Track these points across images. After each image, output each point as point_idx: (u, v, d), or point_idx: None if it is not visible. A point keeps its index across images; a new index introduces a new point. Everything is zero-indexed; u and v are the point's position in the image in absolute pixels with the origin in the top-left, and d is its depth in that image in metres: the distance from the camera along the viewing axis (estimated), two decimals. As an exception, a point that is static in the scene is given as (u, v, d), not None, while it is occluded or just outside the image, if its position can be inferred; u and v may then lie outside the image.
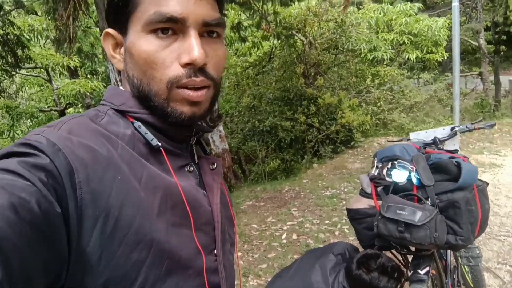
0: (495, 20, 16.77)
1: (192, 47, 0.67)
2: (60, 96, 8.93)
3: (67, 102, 9.50)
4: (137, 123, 0.71)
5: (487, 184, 2.05)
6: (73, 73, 10.75)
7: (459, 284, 2.49)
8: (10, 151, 0.57)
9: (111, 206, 0.60)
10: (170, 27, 0.67)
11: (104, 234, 0.59)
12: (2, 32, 6.43)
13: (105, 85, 10.39)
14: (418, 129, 8.85)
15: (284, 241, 4.13)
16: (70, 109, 11.05)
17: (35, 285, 0.50)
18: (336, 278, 1.99)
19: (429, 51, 10.25)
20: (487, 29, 18.40)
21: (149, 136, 0.70)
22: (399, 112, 8.97)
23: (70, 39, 5.83)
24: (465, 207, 1.80)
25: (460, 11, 15.31)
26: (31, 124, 10.00)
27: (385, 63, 9.62)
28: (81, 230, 0.57)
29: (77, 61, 8.48)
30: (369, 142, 8.27)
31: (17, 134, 10.15)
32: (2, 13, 6.60)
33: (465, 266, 2.69)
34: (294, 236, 4.20)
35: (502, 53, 17.43)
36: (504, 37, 18.16)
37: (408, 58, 9.73)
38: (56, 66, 8.16)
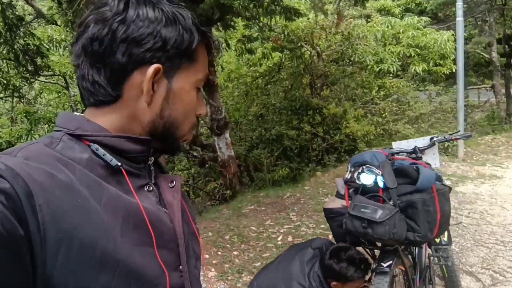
0: (506, 33, 16.79)
1: (203, 103, 0.88)
2: (77, 102, 9.31)
3: (84, 109, 9.87)
4: (94, 146, 0.72)
5: (450, 188, 2.27)
6: (89, 81, 11.14)
7: (431, 282, 2.69)
8: None
9: (74, 229, 0.60)
10: None
11: (69, 258, 0.59)
12: (23, 42, 6.82)
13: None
14: (423, 140, 8.99)
15: (280, 242, 4.36)
16: (86, 115, 11.44)
17: None
18: (312, 268, 2.25)
19: (436, 63, 10.43)
20: (499, 41, 18.43)
21: (108, 157, 0.71)
22: (404, 123, 9.13)
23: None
24: (421, 207, 2.03)
25: (471, 24, 15.40)
26: (48, 129, 10.40)
27: (391, 75, 9.82)
28: (45, 254, 0.57)
29: (93, 69, 8.82)
30: (373, 152, 8.43)
31: (35, 138, 10.55)
32: (23, 23, 6.99)
33: (443, 266, 2.89)
34: (290, 238, 4.42)
35: (514, 65, 17.40)
36: (517, 50, 18.12)
37: (414, 70, 9.92)
38: (74, 74, 8.56)
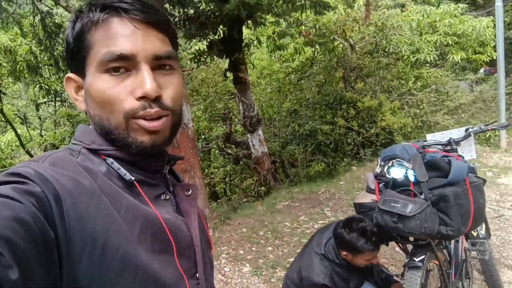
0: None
1: (145, 81, 0.71)
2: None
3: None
4: (110, 160, 0.74)
5: (484, 181, 2.21)
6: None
7: (468, 276, 2.63)
8: (1, 181, 0.60)
9: (97, 233, 0.62)
10: (121, 65, 0.72)
11: (93, 261, 0.61)
12: (62, 48, 7.09)
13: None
14: (463, 131, 8.70)
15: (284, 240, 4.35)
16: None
17: None
18: (329, 240, 2.31)
19: (475, 51, 10.05)
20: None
21: (122, 171, 0.73)
22: (443, 114, 8.86)
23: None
24: (454, 201, 1.99)
25: (503, 9, 14.80)
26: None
27: (428, 64, 9.55)
28: (70, 256, 0.59)
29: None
30: (411, 145, 8.25)
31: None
32: (62, 29, 7.27)
33: (481, 260, 2.81)
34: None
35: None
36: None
37: (452, 59, 9.61)
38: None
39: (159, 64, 0.75)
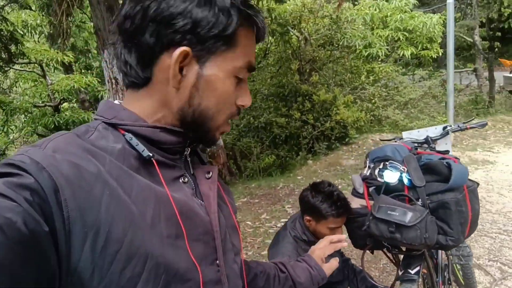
0: (489, 17, 16.83)
1: (248, 94, 0.79)
2: (54, 91, 8.87)
3: (62, 97, 9.45)
4: (128, 135, 0.71)
5: (478, 184, 2.07)
6: (67, 68, 10.69)
7: (449, 282, 2.52)
8: None
9: (100, 222, 0.59)
10: (246, 77, 0.77)
11: (95, 251, 0.58)
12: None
13: (99, 80, 10.34)
14: (413, 125, 8.89)
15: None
16: (65, 104, 11.00)
17: None
18: (294, 219, 2.17)
19: (424, 47, 10.28)
20: (482, 25, 18.47)
21: (140, 147, 0.70)
22: (394, 109, 9.00)
23: (64, 34, 5.81)
24: (455, 208, 1.82)
25: (455, 7, 15.36)
26: (25, 119, 9.93)
27: (380, 59, 9.64)
28: (70, 247, 0.57)
29: (71, 56, 8.42)
30: (364, 139, 8.30)
31: (11, 130, 10.09)
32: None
33: (456, 264, 2.73)
34: (288, 233, 4.22)
35: (496, 49, 17.50)
36: (499, 34, 18.25)
37: (403, 55, 9.75)
38: (51, 62, 8.10)
39: None
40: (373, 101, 8.83)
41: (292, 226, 2.13)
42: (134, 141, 0.70)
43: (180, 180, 0.76)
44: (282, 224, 4.51)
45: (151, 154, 0.70)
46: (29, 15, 7.77)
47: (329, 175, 6.30)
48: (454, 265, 2.71)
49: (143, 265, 0.62)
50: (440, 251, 2.38)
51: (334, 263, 1.35)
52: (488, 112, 12.83)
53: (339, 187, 5.68)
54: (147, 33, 0.68)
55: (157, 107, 0.73)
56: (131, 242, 0.61)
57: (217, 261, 0.75)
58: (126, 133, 0.71)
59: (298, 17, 8.36)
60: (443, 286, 2.35)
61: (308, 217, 2.05)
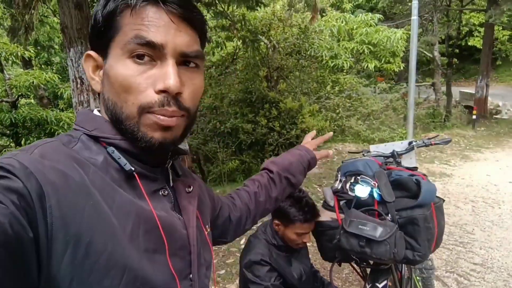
0: (449, 34, 17.59)
1: (169, 74, 0.68)
2: (12, 86, 8.50)
3: (19, 93, 9.06)
4: (111, 148, 0.71)
5: (443, 200, 2.14)
6: (26, 63, 10.28)
7: (412, 294, 2.58)
8: None
9: (82, 232, 0.59)
10: (148, 52, 0.68)
11: (75, 260, 0.58)
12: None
13: (60, 76, 9.99)
14: (374, 136, 9.12)
15: (243, 246, 4.12)
16: (22, 100, 10.55)
17: None
18: (265, 224, 2.19)
19: (387, 61, 10.60)
20: (441, 42, 19.29)
21: (122, 161, 0.70)
22: (356, 120, 9.21)
23: (27, 28, 5.58)
24: (423, 224, 1.88)
25: (418, 23, 15.98)
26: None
27: (345, 71, 9.86)
28: (51, 255, 0.56)
29: (32, 51, 8.10)
30: (327, 148, 8.43)
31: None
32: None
33: (417, 276, 2.80)
34: (253, 241, 4.20)
35: (454, 65, 18.31)
36: (457, 50, 19.10)
37: (366, 67, 10.01)
38: (10, 56, 7.76)
39: (184, 60, 0.73)
40: (337, 111, 9.01)
41: (263, 230, 2.15)
42: (116, 154, 0.70)
43: (160, 193, 0.76)
44: (248, 232, 4.50)
45: (133, 168, 0.70)
46: (-12, 6, 7.45)
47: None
48: (415, 277, 2.79)
49: (121, 278, 0.62)
50: (404, 265, 2.44)
51: (326, 152, 1.42)
52: (445, 125, 13.37)
53: (303, 195, 5.76)
54: None
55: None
56: (111, 254, 0.61)
57: (191, 275, 0.75)
58: (108, 146, 0.71)
59: (268, 25, 8.43)
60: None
61: (276, 221, 2.08)
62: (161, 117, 0.69)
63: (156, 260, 0.68)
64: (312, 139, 1.49)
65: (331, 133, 1.53)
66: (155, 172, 0.76)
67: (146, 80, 0.68)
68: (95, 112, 0.77)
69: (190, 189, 0.82)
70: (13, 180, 0.56)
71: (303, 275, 2.18)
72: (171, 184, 0.80)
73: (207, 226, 0.91)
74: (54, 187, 0.58)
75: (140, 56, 0.68)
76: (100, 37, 0.72)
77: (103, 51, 0.72)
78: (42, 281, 0.56)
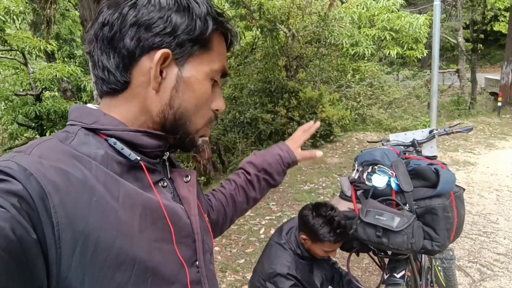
0: (473, 19, 17.10)
1: (221, 98, 0.82)
2: (36, 80, 8.68)
3: (43, 86, 9.25)
4: (112, 140, 0.71)
5: (464, 190, 2.09)
6: (50, 56, 10.47)
7: (432, 284, 2.55)
8: None
9: (90, 229, 0.59)
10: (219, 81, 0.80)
11: (85, 258, 0.58)
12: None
13: (83, 69, 10.14)
14: (396, 125, 8.98)
15: (262, 236, 4.15)
16: (46, 93, 10.79)
17: None
18: (290, 230, 2.14)
19: (409, 47, 10.36)
20: (465, 27, 18.77)
21: (126, 151, 0.70)
22: (378, 108, 9.07)
23: (48, 22, 5.68)
24: (442, 214, 1.84)
25: (441, 8, 15.57)
26: (5, 107, 9.70)
27: (366, 58, 9.69)
28: (60, 255, 0.56)
29: (54, 45, 8.24)
30: (348, 137, 8.35)
31: (-9, 118, 9.86)
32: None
33: (438, 266, 2.76)
34: (272, 231, 4.22)
35: (479, 51, 17.80)
36: (482, 36, 18.55)
37: (388, 54, 9.82)
38: (33, 50, 7.91)
39: None
40: (358, 99, 8.89)
41: (288, 239, 2.11)
42: (119, 145, 0.71)
43: (160, 184, 0.77)
44: (267, 222, 4.53)
45: (138, 158, 0.71)
46: (11, 1, 7.57)
47: (313, 173, 6.32)
48: (435, 267, 2.75)
49: (131, 271, 0.63)
50: (423, 255, 2.41)
51: (310, 153, 1.30)
52: (470, 113, 13.04)
53: (323, 185, 5.75)
54: (127, 38, 0.70)
55: (137, 112, 0.74)
56: (120, 248, 0.62)
57: (197, 263, 0.77)
58: (109, 138, 0.71)
59: (287, 13, 8.34)
60: (426, 288, 2.38)
61: (304, 236, 2.03)
62: (208, 130, 0.82)
63: (164, 250, 0.69)
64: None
65: (321, 152, 1.34)
66: (154, 164, 0.77)
67: (211, 100, 0.79)
68: (90, 106, 0.77)
69: (188, 179, 0.83)
70: (12, 183, 0.55)
71: (324, 282, 2.17)
72: (169, 176, 0.82)
73: (205, 214, 0.92)
74: (55, 186, 0.58)
75: (214, 80, 0.78)
76: (190, 43, 0.73)
77: (182, 58, 0.73)
78: (53, 281, 0.56)
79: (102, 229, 0.60)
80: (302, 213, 2.06)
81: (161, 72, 0.72)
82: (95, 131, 0.71)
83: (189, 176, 0.83)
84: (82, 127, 0.71)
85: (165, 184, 0.78)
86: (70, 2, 8.85)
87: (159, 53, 0.70)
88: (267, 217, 4.53)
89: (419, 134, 2.72)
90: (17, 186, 0.55)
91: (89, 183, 0.62)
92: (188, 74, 0.74)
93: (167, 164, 0.82)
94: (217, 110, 0.80)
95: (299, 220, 2.08)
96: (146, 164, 0.74)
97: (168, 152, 0.82)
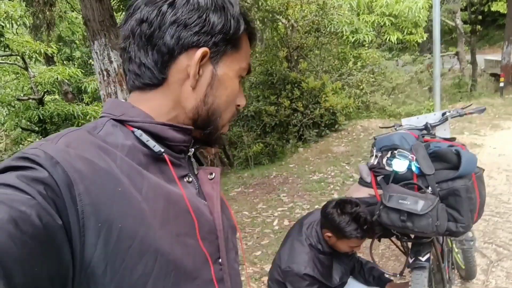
0: (471, 0, 16.99)
1: (242, 94, 0.84)
2: (37, 84, 8.67)
3: (45, 90, 9.23)
4: (138, 131, 0.72)
5: (483, 170, 2.09)
6: (49, 59, 10.44)
7: (453, 266, 2.56)
8: (8, 166, 0.57)
9: (113, 218, 0.60)
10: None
11: (108, 247, 0.59)
12: None
13: (82, 71, 10.11)
14: (400, 110, 8.96)
15: (276, 227, 4.16)
16: (48, 97, 10.77)
17: None
18: (311, 224, 2.12)
19: (409, 32, 10.33)
20: (463, 9, 18.66)
21: (151, 143, 0.71)
22: (381, 94, 9.05)
23: (48, 25, 5.65)
24: (465, 195, 1.84)
25: (439, -9, 15.45)
26: (7, 113, 9.69)
27: (366, 45, 9.66)
28: (84, 243, 0.57)
29: (54, 47, 8.22)
30: (353, 125, 8.34)
31: (-7, 123, 9.86)
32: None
33: (457, 249, 2.76)
34: (286, 222, 4.22)
35: (478, 32, 17.69)
36: (480, 17, 18.44)
37: (388, 40, 9.79)
38: (33, 54, 7.89)
39: None
40: (361, 87, 8.87)
41: (308, 234, 2.09)
42: (145, 137, 0.71)
43: (185, 179, 0.78)
44: (280, 213, 4.53)
45: (162, 150, 0.71)
46: (9, 5, 7.53)
47: (321, 163, 6.32)
48: (454, 249, 2.75)
49: (154, 262, 0.63)
50: (445, 237, 2.41)
51: None
52: (472, 95, 13.00)
53: (332, 174, 5.74)
54: (167, 35, 0.71)
55: (171, 107, 0.75)
56: (142, 239, 0.62)
57: (220, 260, 0.77)
58: (136, 129, 0.72)
59: (285, 4, 8.29)
60: (448, 270, 2.39)
61: (329, 234, 2.01)
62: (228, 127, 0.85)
63: (188, 244, 0.70)
64: None
65: None
66: (179, 159, 0.78)
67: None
68: (121, 99, 0.79)
69: (212, 176, 0.83)
70: (38, 170, 0.56)
71: (344, 276, 2.16)
72: (196, 172, 0.82)
73: (232, 212, 0.93)
74: (81, 174, 0.58)
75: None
76: (224, 42, 0.75)
77: (216, 56, 0.76)
78: (77, 268, 0.57)
79: (125, 218, 0.61)
80: (326, 211, 2.03)
81: (198, 69, 0.74)
82: (123, 122, 0.73)
83: (213, 174, 0.83)
84: (111, 119, 0.73)
85: (191, 179, 0.78)
86: (68, 3, 8.80)
87: (199, 52, 0.72)
88: (279, 209, 4.54)
89: (432, 117, 2.71)
90: (43, 173, 0.56)
91: (114, 173, 0.63)
92: (221, 72, 0.76)
93: (193, 161, 0.82)
94: (239, 105, 0.83)
95: (323, 218, 2.06)
96: (170, 157, 0.74)
97: (193, 149, 0.82)
